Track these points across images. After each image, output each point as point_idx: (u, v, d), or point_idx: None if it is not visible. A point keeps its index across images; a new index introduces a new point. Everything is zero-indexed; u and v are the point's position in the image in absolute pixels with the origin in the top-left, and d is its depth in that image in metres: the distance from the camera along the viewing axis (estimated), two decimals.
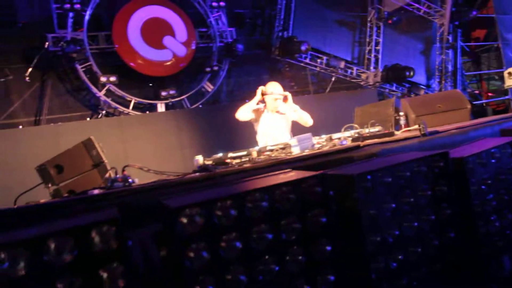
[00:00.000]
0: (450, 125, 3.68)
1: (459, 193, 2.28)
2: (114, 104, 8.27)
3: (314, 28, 10.57)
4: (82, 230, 1.40)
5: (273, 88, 4.08)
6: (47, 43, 7.69)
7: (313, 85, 11.01)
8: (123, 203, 2.02)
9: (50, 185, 3.40)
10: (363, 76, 11.09)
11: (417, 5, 11.48)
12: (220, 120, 8.06)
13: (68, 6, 7.68)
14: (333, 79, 10.48)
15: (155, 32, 8.45)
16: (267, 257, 1.69)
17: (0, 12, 7.66)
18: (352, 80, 11.13)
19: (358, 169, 2.01)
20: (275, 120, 4.16)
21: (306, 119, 4.19)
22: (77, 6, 7.77)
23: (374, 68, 11.09)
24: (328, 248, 1.82)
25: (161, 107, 8.55)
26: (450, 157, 2.29)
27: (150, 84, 8.57)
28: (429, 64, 12.38)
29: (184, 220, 1.55)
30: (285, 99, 4.17)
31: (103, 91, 8.12)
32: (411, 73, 10.47)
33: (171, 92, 8.53)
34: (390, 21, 11.13)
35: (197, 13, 9.29)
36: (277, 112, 4.17)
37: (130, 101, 8.39)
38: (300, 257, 1.76)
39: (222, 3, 9.28)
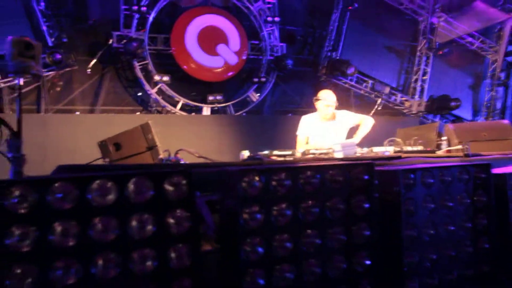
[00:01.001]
0: (494, 152, 3.71)
1: (497, 205, 2.35)
2: (163, 103, 8.72)
3: (362, 51, 10.70)
4: (159, 175, 1.63)
5: (326, 95, 4.21)
6: (111, 40, 8.28)
7: (356, 108, 11.06)
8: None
9: (108, 159, 3.69)
10: (407, 104, 11.05)
11: (470, 39, 11.39)
12: (261, 129, 8.31)
13: (135, 8, 8.27)
14: (378, 102, 10.51)
15: (210, 39, 8.90)
16: (310, 230, 1.86)
17: (76, 8, 8.38)
18: (395, 107, 11.11)
19: (403, 166, 2.15)
20: (326, 129, 4.23)
21: (366, 121, 4.26)
22: (143, 9, 8.35)
23: (419, 97, 11.03)
24: (367, 233, 1.97)
25: (206, 111, 8.92)
26: (492, 172, 2.38)
27: (193, 93, 8.95)
28: (477, 100, 12.15)
29: (245, 183, 1.75)
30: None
31: (155, 89, 8.59)
32: (457, 104, 10.33)
33: (218, 97, 8.89)
34: (440, 52, 11.08)
35: (252, 26, 9.68)
36: (329, 119, 4.26)
37: (179, 101, 8.81)
38: (340, 236, 1.92)
39: (276, 19, 9.63)
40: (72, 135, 6.87)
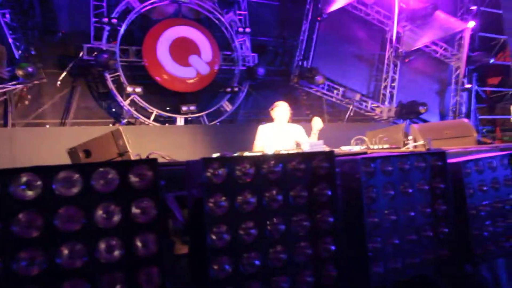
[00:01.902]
0: (455, 147, 3.89)
1: (454, 191, 2.48)
2: (136, 114, 8.68)
3: (333, 60, 11.00)
4: (125, 165, 1.66)
5: (280, 104, 4.62)
6: (82, 52, 8.22)
7: (328, 115, 11.31)
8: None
9: None
10: (378, 110, 11.38)
11: (434, 47, 11.90)
12: (235, 138, 8.37)
13: (106, 20, 8.26)
14: (350, 108, 10.77)
15: (182, 50, 8.96)
16: (275, 217, 1.92)
17: (45, 20, 8.29)
18: (367, 114, 11.42)
19: (365, 156, 2.25)
20: (282, 135, 4.52)
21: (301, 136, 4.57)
22: (114, 21, 8.35)
23: (389, 103, 11.38)
24: (331, 219, 2.04)
25: (180, 121, 8.93)
26: (447, 160, 2.51)
27: (168, 108, 8.95)
28: (443, 105, 12.63)
29: (209, 173, 1.80)
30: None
31: (128, 101, 8.55)
32: (425, 109, 10.71)
33: (192, 107, 8.93)
34: (407, 60, 11.51)
35: (224, 37, 9.82)
36: (284, 127, 4.53)
37: (152, 112, 8.79)
38: (305, 223, 1.99)
39: (247, 30, 9.81)
40: (41, 148, 6.74)
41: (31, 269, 1.48)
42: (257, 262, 1.83)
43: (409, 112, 11.08)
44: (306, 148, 3.43)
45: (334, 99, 11.00)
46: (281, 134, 4.55)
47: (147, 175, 1.67)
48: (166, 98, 9.05)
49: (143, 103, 8.66)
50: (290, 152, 2.16)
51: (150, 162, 1.69)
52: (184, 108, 8.90)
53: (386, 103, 11.42)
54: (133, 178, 1.67)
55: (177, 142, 7.93)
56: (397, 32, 11.28)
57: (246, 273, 1.82)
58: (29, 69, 6.90)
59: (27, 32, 7.89)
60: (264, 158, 1.92)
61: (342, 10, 10.97)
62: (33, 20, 8.23)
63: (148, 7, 9.08)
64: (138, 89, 8.41)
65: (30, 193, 1.51)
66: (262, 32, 10.59)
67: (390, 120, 11.34)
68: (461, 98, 12.33)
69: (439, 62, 12.35)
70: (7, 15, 7.52)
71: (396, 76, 11.59)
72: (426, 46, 11.74)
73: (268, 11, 10.77)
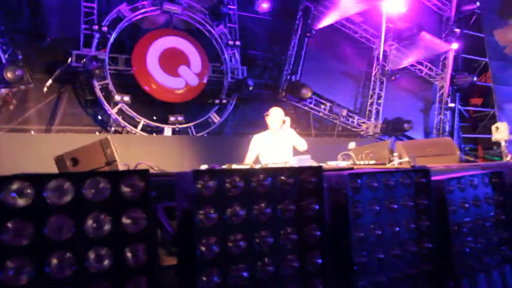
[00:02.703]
0: (439, 164, 3.99)
1: (437, 208, 2.55)
2: (123, 123, 8.63)
3: (321, 75, 11.18)
4: (116, 175, 1.68)
5: (275, 110, 4.74)
6: (70, 58, 8.18)
7: (315, 129, 11.44)
8: None
9: None
10: (364, 126, 11.56)
11: (419, 66, 12.21)
12: (222, 150, 8.40)
13: (96, 27, 8.26)
14: (338, 123, 10.91)
15: (172, 60, 8.99)
16: (263, 230, 1.95)
17: (34, 24, 8.24)
18: (353, 129, 11.59)
19: (352, 171, 2.31)
20: (276, 142, 4.55)
21: (300, 143, 4.58)
22: (104, 28, 8.36)
23: (375, 119, 11.58)
24: (318, 233, 2.08)
25: (167, 132, 8.90)
26: (431, 178, 2.58)
27: (155, 118, 8.95)
28: (427, 122, 12.91)
29: (199, 185, 1.83)
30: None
31: (115, 109, 8.51)
32: (410, 126, 10.93)
33: (179, 118, 8.93)
34: (393, 78, 11.77)
35: (213, 49, 9.90)
36: (279, 133, 4.56)
37: (139, 122, 8.76)
38: (292, 236, 2.02)
39: (237, 43, 9.91)
40: (26, 155, 6.65)
41: (19, 278, 1.47)
42: (245, 274, 1.85)
43: (394, 128, 11.29)
44: (293, 163, 3.48)
45: (321, 114, 11.15)
46: (276, 140, 4.61)
47: (139, 186, 1.69)
48: (154, 108, 9.03)
49: (131, 112, 8.63)
50: (279, 166, 2.20)
51: (142, 173, 1.70)
52: (172, 119, 8.90)
53: (372, 119, 11.63)
54: (124, 188, 1.68)
55: (164, 152, 7.91)
56: (384, 51, 11.55)
57: (234, 285, 1.84)
58: (18, 71, 6.82)
59: (14, 36, 7.82)
60: (253, 172, 1.95)
61: (330, 27, 11.21)
62: (21, 24, 8.16)
63: (139, 17, 9.12)
64: (126, 98, 8.38)
65: (20, 201, 1.51)
66: (252, 46, 10.71)
67: (376, 136, 11.53)
68: (444, 116, 12.63)
69: (424, 81, 12.67)
70: None
71: (382, 93, 11.83)
72: (412, 65, 12.05)
73: (258, 25, 10.91)
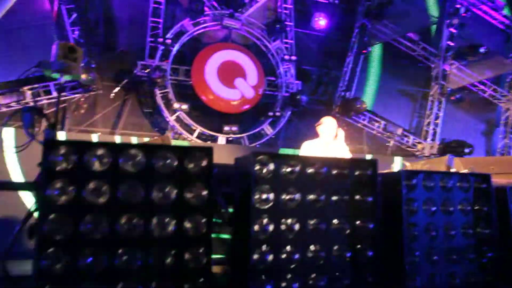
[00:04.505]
0: (502, 179, 3.80)
1: (499, 216, 2.45)
2: (180, 130, 9.03)
3: (376, 93, 11.02)
4: (183, 150, 1.82)
5: (327, 120, 4.54)
6: (136, 68, 8.77)
7: (368, 147, 11.22)
8: None
9: None
10: (419, 146, 11.16)
11: (482, 87, 11.65)
12: None
13: (161, 40, 8.82)
14: (391, 144, 10.63)
15: (229, 73, 9.32)
16: (316, 216, 2.00)
17: (107, 38, 9.00)
18: (408, 149, 11.22)
19: (406, 169, 2.30)
20: (327, 153, 4.44)
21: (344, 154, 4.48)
22: (168, 41, 8.91)
23: (432, 140, 11.15)
24: (371, 225, 2.09)
25: (221, 140, 9.17)
26: (492, 183, 2.50)
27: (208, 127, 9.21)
28: (490, 146, 12.20)
29: (257, 167, 1.92)
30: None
31: (173, 117, 8.94)
32: (470, 151, 10.38)
33: (233, 128, 9.18)
34: (452, 98, 11.31)
35: (269, 63, 10.14)
36: (330, 143, 4.48)
37: (195, 130, 9.12)
38: (344, 226, 2.05)
39: (293, 57, 10.09)
40: None
41: (95, 233, 1.64)
42: (295, 256, 1.91)
43: (452, 151, 10.77)
44: None
45: (375, 132, 10.93)
46: (326, 151, 4.49)
47: (202, 162, 1.82)
48: (210, 117, 9.37)
49: (188, 120, 9.02)
50: (335, 157, 2.24)
51: (206, 150, 1.83)
52: (226, 128, 9.17)
53: (429, 139, 11.20)
54: (189, 163, 1.82)
55: (217, 160, 8.13)
56: (443, 70, 11.18)
57: (285, 266, 1.90)
58: (91, 74, 7.47)
59: (91, 47, 8.54)
60: (310, 160, 2.03)
61: (387, 44, 11.07)
62: (97, 38, 8.92)
63: (200, 31, 9.59)
64: (184, 106, 8.79)
65: (100, 165, 1.69)
66: (307, 61, 10.83)
67: (431, 157, 11.06)
68: (510, 140, 11.88)
69: (487, 102, 12.04)
70: (76, 32, 8.21)
71: (440, 114, 11.39)
72: (474, 85, 11.52)
73: (314, 41, 11.03)
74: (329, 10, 10.83)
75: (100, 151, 1.68)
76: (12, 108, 7.68)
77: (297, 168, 1.95)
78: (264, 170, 1.90)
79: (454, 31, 10.80)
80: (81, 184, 1.63)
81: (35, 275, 1.54)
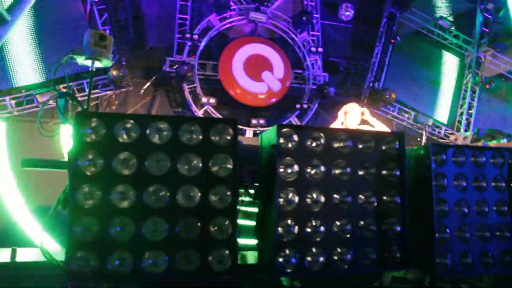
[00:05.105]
0: None
1: None
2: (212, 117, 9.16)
3: (405, 83, 10.75)
4: (208, 122, 1.85)
5: (351, 106, 4.44)
6: (164, 64, 8.95)
7: None
8: None
9: None
10: (452, 137, 10.82)
11: None
12: None
13: (188, 36, 8.97)
14: (423, 134, 10.35)
15: (256, 66, 9.36)
16: (343, 191, 1.98)
17: (136, 36, 9.24)
18: (439, 140, 10.90)
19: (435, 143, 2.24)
20: None
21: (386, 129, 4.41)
22: (195, 37, 9.04)
23: (465, 130, 10.78)
24: (398, 200, 2.05)
25: (249, 133, 9.23)
26: None
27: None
28: None
29: (282, 139, 1.93)
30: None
31: (201, 111, 9.06)
32: (509, 140, 9.95)
33: (261, 121, 9.21)
34: (487, 86, 10.88)
35: (296, 56, 10.10)
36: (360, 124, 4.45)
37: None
38: (371, 199, 2.02)
39: (320, 49, 10.00)
40: None
41: (123, 202, 1.69)
42: (321, 229, 1.90)
43: (487, 141, 10.37)
44: None
45: (405, 123, 10.68)
46: None
47: (227, 133, 1.84)
48: (237, 111, 9.43)
49: (216, 114, 9.11)
50: (361, 129, 2.21)
51: (231, 122, 1.85)
52: (253, 121, 9.21)
53: (462, 130, 10.83)
54: (214, 135, 1.85)
55: None
56: (478, 57, 10.77)
57: (311, 239, 1.89)
58: (122, 70, 7.69)
59: (121, 45, 8.78)
60: (335, 132, 2.01)
61: (417, 33, 10.78)
62: (127, 36, 9.15)
63: (227, 26, 9.66)
64: (212, 100, 8.90)
65: (128, 137, 1.74)
66: (334, 53, 10.71)
67: None
68: None
69: None
70: (107, 31, 8.47)
71: (474, 103, 10.99)
72: (510, 72, 11.03)
73: (341, 33, 10.88)
74: (356, 1, 10.64)
75: (128, 124, 1.73)
76: (50, 106, 8.02)
77: (322, 141, 1.93)
78: (289, 143, 1.90)
79: (488, 16, 10.38)
80: (110, 155, 1.69)
81: (69, 243, 1.61)
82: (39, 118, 2.59)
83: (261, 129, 9.28)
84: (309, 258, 1.89)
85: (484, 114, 11.04)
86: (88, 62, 2.86)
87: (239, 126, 9.23)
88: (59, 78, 7.25)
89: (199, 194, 1.78)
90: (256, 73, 9.35)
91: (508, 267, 2.27)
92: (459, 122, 10.94)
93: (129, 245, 1.65)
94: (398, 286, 2.37)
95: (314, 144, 1.94)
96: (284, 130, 1.90)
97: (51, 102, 2.87)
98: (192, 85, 9.08)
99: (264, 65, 9.46)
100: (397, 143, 2.06)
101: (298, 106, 9.71)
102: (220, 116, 9.15)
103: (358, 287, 2.18)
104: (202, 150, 1.80)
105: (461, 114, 10.95)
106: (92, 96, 7.83)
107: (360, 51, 10.93)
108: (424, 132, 10.58)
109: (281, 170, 1.90)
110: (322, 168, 1.92)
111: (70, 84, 8.12)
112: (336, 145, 1.99)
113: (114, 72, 7.55)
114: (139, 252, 1.66)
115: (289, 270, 1.83)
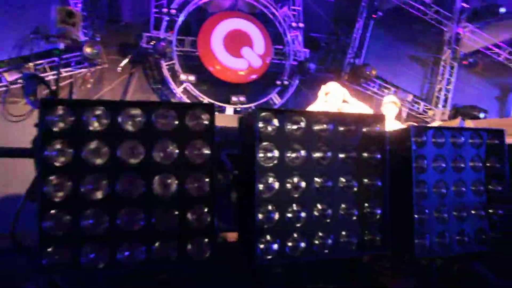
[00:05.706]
0: None
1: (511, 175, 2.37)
2: (187, 102, 8.98)
3: (386, 59, 10.76)
4: (183, 107, 1.77)
5: (334, 87, 4.35)
6: (141, 40, 8.66)
7: None
8: None
9: None
10: (430, 113, 10.97)
11: (497, 50, 11.27)
12: None
13: (165, 10, 8.66)
14: (404, 110, 10.45)
15: (236, 41, 9.16)
16: (323, 175, 1.95)
17: (109, 10, 8.85)
18: (418, 116, 11.04)
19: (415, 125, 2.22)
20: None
21: (368, 110, 4.39)
22: (173, 11, 8.74)
23: (443, 106, 10.94)
24: (379, 183, 2.04)
25: (229, 111, 9.13)
26: (505, 140, 2.41)
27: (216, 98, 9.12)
28: (503, 112, 11.93)
29: (262, 123, 1.87)
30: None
31: (180, 88, 8.88)
32: (484, 115, 10.17)
33: (241, 98, 9.11)
34: (465, 62, 11.00)
35: (277, 31, 9.92)
36: (342, 104, 4.40)
37: (203, 101, 9.05)
38: (352, 183, 2.00)
39: (301, 25, 9.84)
40: None
41: (95, 193, 1.62)
42: (302, 215, 1.88)
43: (464, 116, 10.57)
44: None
45: None
46: None
47: (203, 119, 1.77)
48: (217, 88, 9.29)
49: (195, 91, 8.96)
50: (341, 112, 2.17)
51: (207, 107, 1.78)
52: (234, 99, 9.10)
53: (440, 105, 10.98)
54: (189, 120, 1.77)
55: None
56: (456, 33, 10.82)
57: (291, 224, 1.87)
58: (96, 47, 7.41)
59: (94, 20, 8.43)
60: (315, 116, 1.96)
61: (398, 8, 10.71)
62: (100, 10, 8.78)
63: (205, 0, 9.37)
64: (191, 77, 8.72)
65: (99, 125, 1.65)
66: (315, 28, 10.58)
67: (442, 123, 10.89)
68: None
69: (501, 66, 11.67)
70: (79, 4, 8.08)
71: (452, 79, 11.12)
72: (488, 49, 11.15)
73: (322, 8, 10.72)
74: None
75: (98, 111, 1.64)
76: (18, 85, 7.68)
77: (302, 124, 1.89)
78: (269, 127, 1.84)
79: None
80: (80, 145, 1.60)
81: (39, 237, 1.54)
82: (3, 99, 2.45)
83: (241, 106, 9.19)
84: (290, 244, 1.87)
85: (461, 90, 11.20)
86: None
87: (219, 104, 9.13)
88: (27, 56, 6.96)
89: (176, 182, 1.72)
90: (236, 49, 9.17)
91: (483, 244, 2.32)
92: (438, 98, 11.07)
93: (103, 237, 1.59)
94: (377, 264, 2.40)
95: (294, 127, 1.89)
96: (263, 114, 1.84)
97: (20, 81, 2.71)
98: (171, 62, 8.85)
99: (244, 40, 9.28)
100: (377, 125, 2.03)
101: (278, 82, 9.62)
102: (199, 94, 9.00)
103: (338, 269, 2.19)
104: (178, 136, 1.73)
105: (440, 90, 11.07)
106: (65, 74, 7.56)
107: (342, 27, 10.83)
108: (404, 108, 10.70)
109: (261, 155, 1.85)
110: (303, 153, 1.88)
111: (41, 62, 7.80)
112: (316, 128, 1.94)
113: (88, 49, 7.26)
114: (114, 244, 1.60)
115: (269, 257, 1.80)
